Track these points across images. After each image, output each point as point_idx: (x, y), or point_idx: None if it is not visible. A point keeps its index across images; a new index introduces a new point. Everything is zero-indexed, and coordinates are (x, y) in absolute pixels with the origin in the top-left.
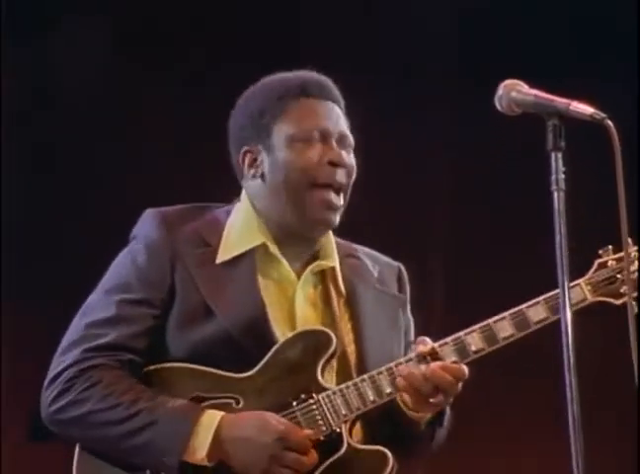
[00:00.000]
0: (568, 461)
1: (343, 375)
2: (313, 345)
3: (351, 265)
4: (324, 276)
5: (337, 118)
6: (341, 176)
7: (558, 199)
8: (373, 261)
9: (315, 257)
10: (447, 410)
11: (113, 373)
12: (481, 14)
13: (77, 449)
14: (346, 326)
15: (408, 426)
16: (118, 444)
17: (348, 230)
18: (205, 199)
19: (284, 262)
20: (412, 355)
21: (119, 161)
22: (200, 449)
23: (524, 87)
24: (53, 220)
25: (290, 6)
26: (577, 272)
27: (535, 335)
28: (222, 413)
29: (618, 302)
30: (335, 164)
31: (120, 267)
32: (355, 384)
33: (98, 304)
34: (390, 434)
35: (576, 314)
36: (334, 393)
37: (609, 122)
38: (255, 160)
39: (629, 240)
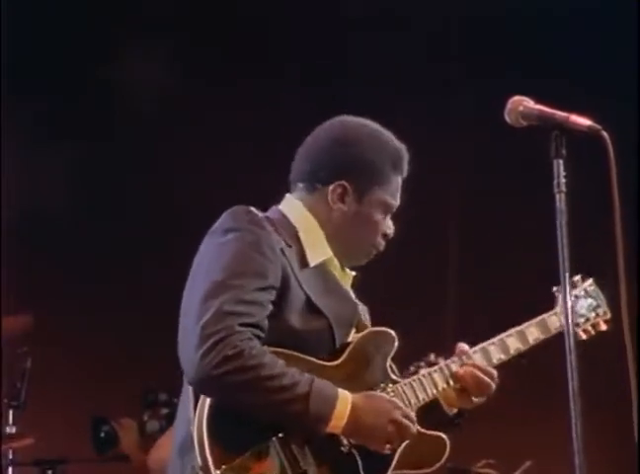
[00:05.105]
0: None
1: None
2: (383, 342)
3: None
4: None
5: None
6: (384, 243)
7: (560, 200)
8: None
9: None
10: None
11: (264, 347)
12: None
13: (207, 411)
14: None
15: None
16: (280, 409)
17: None
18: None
19: (349, 272)
20: (454, 357)
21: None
22: (340, 419)
23: (530, 102)
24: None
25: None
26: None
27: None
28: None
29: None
30: (386, 236)
31: (242, 254)
32: (418, 379)
33: (234, 284)
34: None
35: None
36: (405, 385)
37: (605, 134)
38: (343, 195)
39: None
